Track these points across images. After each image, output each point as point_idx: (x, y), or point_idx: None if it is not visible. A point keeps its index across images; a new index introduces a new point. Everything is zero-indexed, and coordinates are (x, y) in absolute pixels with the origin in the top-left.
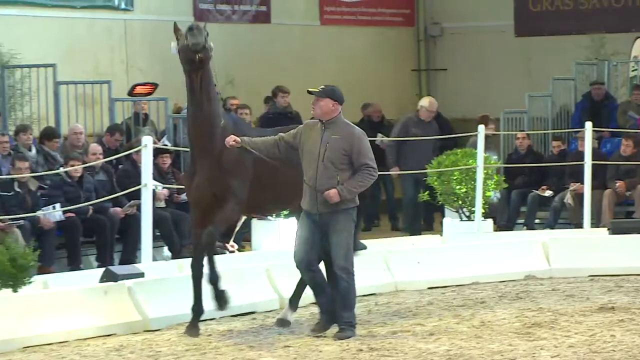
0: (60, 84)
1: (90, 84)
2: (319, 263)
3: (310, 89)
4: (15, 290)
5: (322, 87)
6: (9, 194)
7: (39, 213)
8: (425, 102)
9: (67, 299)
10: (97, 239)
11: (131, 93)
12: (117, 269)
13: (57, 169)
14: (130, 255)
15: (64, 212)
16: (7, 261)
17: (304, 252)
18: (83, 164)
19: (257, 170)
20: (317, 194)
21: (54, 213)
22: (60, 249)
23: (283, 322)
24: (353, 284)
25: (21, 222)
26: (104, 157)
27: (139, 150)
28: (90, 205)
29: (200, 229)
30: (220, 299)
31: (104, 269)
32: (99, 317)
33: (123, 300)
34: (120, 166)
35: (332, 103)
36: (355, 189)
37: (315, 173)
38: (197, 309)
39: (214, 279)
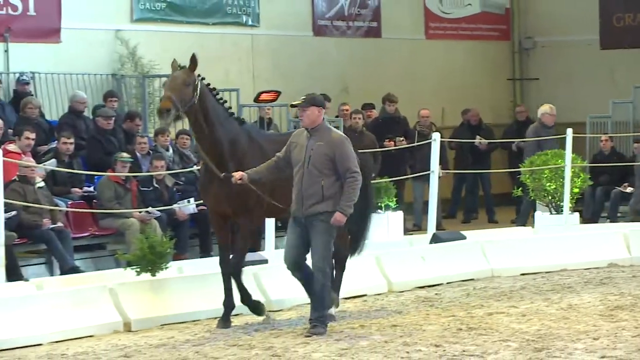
0: None
1: (221, 92)
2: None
3: (293, 103)
4: (153, 275)
5: (303, 97)
6: (148, 189)
7: (174, 206)
8: (546, 108)
9: (200, 283)
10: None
11: (257, 100)
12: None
13: (191, 167)
14: (258, 243)
15: (197, 205)
16: (146, 249)
17: (293, 256)
18: None
19: (274, 182)
20: (304, 199)
21: (188, 206)
22: (193, 239)
23: (330, 317)
24: (328, 284)
25: (159, 214)
26: None
27: None
28: None
29: (220, 231)
30: (256, 309)
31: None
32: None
33: (249, 284)
34: None
35: (317, 110)
36: (350, 200)
37: (301, 178)
38: (228, 303)
39: (245, 298)
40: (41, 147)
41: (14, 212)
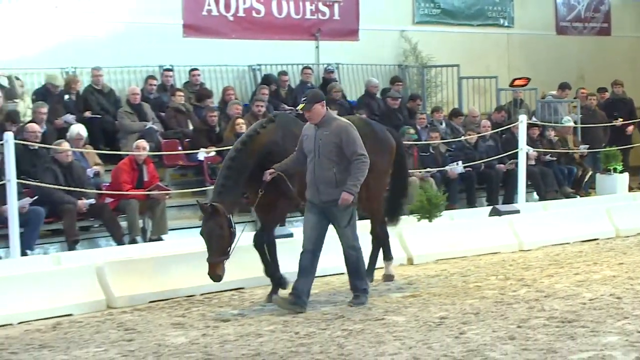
0: (462, 78)
1: (483, 79)
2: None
3: (297, 108)
4: (430, 220)
5: (304, 98)
6: (426, 154)
7: (446, 167)
8: None
9: (467, 227)
10: (487, 186)
11: (511, 85)
12: (501, 207)
13: (460, 137)
14: (510, 197)
15: (465, 167)
16: (425, 200)
17: (311, 238)
18: (476, 134)
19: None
20: (318, 186)
21: (457, 167)
22: (461, 193)
23: (388, 277)
24: (361, 256)
25: (435, 173)
26: (492, 129)
27: (517, 125)
28: (483, 162)
29: (260, 211)
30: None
31: (491, 207)
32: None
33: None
34: (503, 135)
35: (321, 104)
36: (357, 180)
37: (313, 167)
38: (268, 272)
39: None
40: None
41: None
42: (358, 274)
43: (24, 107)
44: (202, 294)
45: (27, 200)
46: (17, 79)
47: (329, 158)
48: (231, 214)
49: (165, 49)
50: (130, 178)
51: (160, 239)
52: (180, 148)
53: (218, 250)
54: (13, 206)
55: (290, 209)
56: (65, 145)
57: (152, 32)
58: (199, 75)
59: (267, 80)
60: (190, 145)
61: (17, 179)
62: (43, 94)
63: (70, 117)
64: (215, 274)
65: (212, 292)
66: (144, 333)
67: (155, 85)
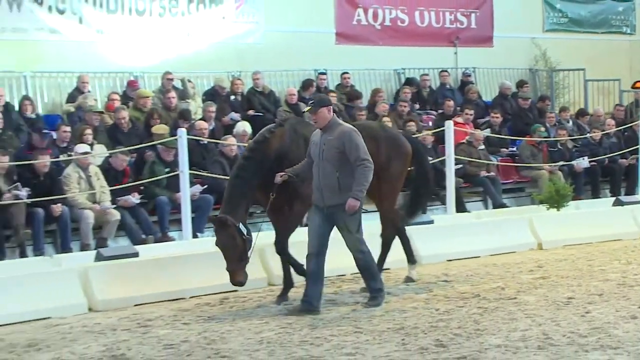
0: (587, 81)
1: (607, 81)
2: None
3: (304, 110)
4: (558, 210)
5: (311, 101)
6: (554, 149)
7: (573, 162)
8: None
9: (593, 216)
10: (610, 179)
11: (633, 86)
12: (623, 198)
13: (585, 134)
14: (632, 189)
15: (590, 161)
16: (553, 192)
17: (316, 244)
18: (600, 132)
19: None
20: (322, 191)
21: (583, 162)
22: (586, 185)
23: (408, 279)
24: (370, 257)
25: (563, 167)
26: (616, 127)
27: (637, 123)
28: (606, 157)
29: (272, 214)
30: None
31: (614, 198)
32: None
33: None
34: (625, 133)
35: (326, 109)
36: (362, 186)
37: (317, 172)
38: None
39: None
40: (480, 120)
41: (460, 165)
42: (370, 275)
43: (195, 106)
44: (352, 274)
45: (198, 188)
46: (189, 81)
47: (332, 163)
48: (242, 222)
49: (320, 55)
50: None
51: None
52: None
53: (233, 259)
54: (186, 194)
55: (304, 212)
56: (232, 141)
57: (308, 40)
58: (349, 78)
59: (409, 82)
60: None
61: (189, 170)
62: (212, 94)
63: (235, 115)
64: (236, 280)
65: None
66: None
67: (311, 87)
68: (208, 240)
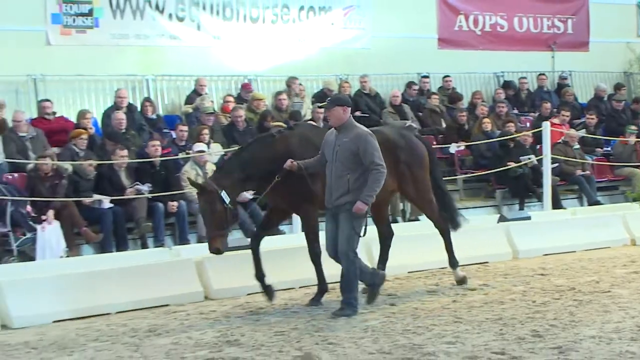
0: None
1: None
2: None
3: (319, 104)
4: None
5: (329, 98)
6: None
7: None
8: None
9: None
10: None
11: None
12: None
13: None
14: None
15: None
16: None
17: (334, 247)
18: None
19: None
20: (332, 192)
21: None
22: None
23: (460, 281)
24: (353, 267)
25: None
26: None
27: None
28: None
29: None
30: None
31: None
32: None
33: None
34: None
35: (342, 109)
36: (372, 191)
37: (330, 172)
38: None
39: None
40: (575, 121)
41: (557, 164)
42: (347, 286)
43: (305, 107)
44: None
45: None
46: (300, 84)
47: (345, 165)
48: (225, 191)
49: (423, 59)
50: None
51: (417, 220)
52: (434, 142)
53: (212, 225)
54: None
55: (314, 213)
56: None
57: (412, 45)
58: (450, 81)
59: (508, 85)
60: (443, 140)
61: None
62: (321, 96)
63: None
64: (213, 247)
65: (462, 265)
66: (403, 298)
67: (414, 89)
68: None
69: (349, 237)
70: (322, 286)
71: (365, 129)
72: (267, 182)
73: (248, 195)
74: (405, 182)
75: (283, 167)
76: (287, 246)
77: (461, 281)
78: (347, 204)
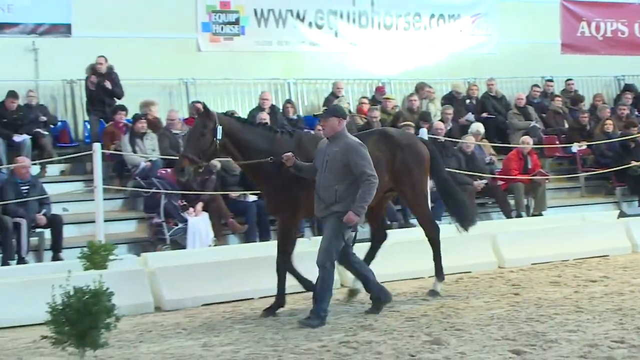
0: None
1: None
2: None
3: (315, 114)
4: None
5: (325, 108)
6: None
7: None
8: None
9: None
10: None
11: None
12: None
13: None
14: None
15: None
16: None
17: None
18: None
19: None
20: (320, 201)
21: None
22: None
23: (434, 293)
24: (327, 278)
25: None
26: None
27: None
28: None
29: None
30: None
31: None
32: None
33: None
34: None
35: (337, 120)
36: (365, 202)
37: (319, 182)
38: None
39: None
40: None
41: None
42: (320, 296)
43: (435, 109)
44: (574, 259)
45: None
46: (430, 87)
47: (334, 174)
48: (222, 126)
49: (546, 63)
50: (518, 166)
51: (540, 215)
52: (557, 142)
53: (192, 147)
54: None
55: (290, 223)
56: (470, 139)
57: (536, 50)
58: (573, 84)
59: (629, 88)
60: (566, 140)
61: None
62: (449, 98)
63: (470, 117)
64: (180, 166)
65: (583, 258)
66: (527, 288)
67: (538, 92)
68: (445, 228)
69: (328, 248)
70: (280, 300)
71: (356, 139)
72: (255, 168)
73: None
74: (401, 182)
75: (279, 154)
76: (415, 238)
77: (434, 293)
78: (335, 214)
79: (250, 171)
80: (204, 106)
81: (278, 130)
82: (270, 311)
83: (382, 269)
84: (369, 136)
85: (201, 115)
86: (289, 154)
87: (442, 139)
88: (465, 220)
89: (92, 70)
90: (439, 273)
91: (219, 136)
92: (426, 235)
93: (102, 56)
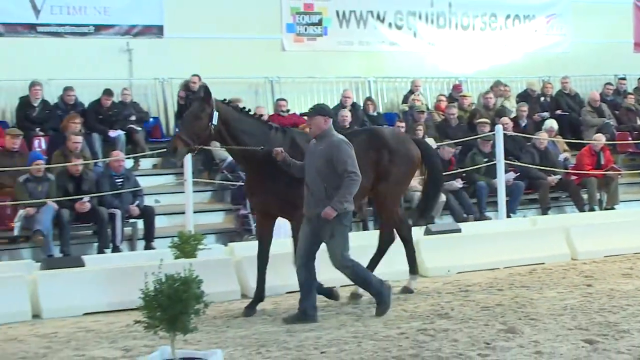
0: None
1: None
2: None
3: (302, 113)
4: None
5: (311, 107)
6: None
7: None
8: None
9: None
10: None
11: None
12: None
13: None
14: None
15: None
16: None
17: (300, 252)
18: None
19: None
20: (311, 199)
21: None
22: None
23: (407, 289)
24: (357, 273)
25: None
26: None
27: None
28: None
29: (260, 228)
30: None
31: None
32: None
33: None
34: None
35: (324, 119)
36: (344, 198)
37: (307, 180)
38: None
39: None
40: None
41: None
42: (367, 288)
43: (510, 106)
44: None
45: (512, 175)
46: (505, 85)
47: (321, 173)
48: (218, 111)
49: (619, 62)
50: (590, 161)
51: (613, 209)
52: (630, 139)
53: (187, 129)
54: (501, 180)
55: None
56: (544, 135)
57: (609, 49)
58: None
59: None
60: (638, 137)
61: (505, 160)
62: (524, 96)
63: (545, 114)
64: (173, 145)
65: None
66: (599, 280)
67: (611, 90)
68: (520, 221)
69: (334, 251)
70: (259, 295)
71: (341, 136)
72: (244, 157)
73: (458, 184)
74: (382, 180)
75: (270, 147)
76: (492, 231)
77: (407, 290)
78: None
79: (240, 159)
80: (205, 90)
81: (272, 127)
82: (250, 308)
83: (457, 260)
84: (358, 135)
85: (200, 99)
86: (280, 148)
87: (517, 134)
88: (424, 217)
89: (186, 87)
90: (414, 270)
91: (215, 122)
92: (400, 237)
93: (197, 75)
